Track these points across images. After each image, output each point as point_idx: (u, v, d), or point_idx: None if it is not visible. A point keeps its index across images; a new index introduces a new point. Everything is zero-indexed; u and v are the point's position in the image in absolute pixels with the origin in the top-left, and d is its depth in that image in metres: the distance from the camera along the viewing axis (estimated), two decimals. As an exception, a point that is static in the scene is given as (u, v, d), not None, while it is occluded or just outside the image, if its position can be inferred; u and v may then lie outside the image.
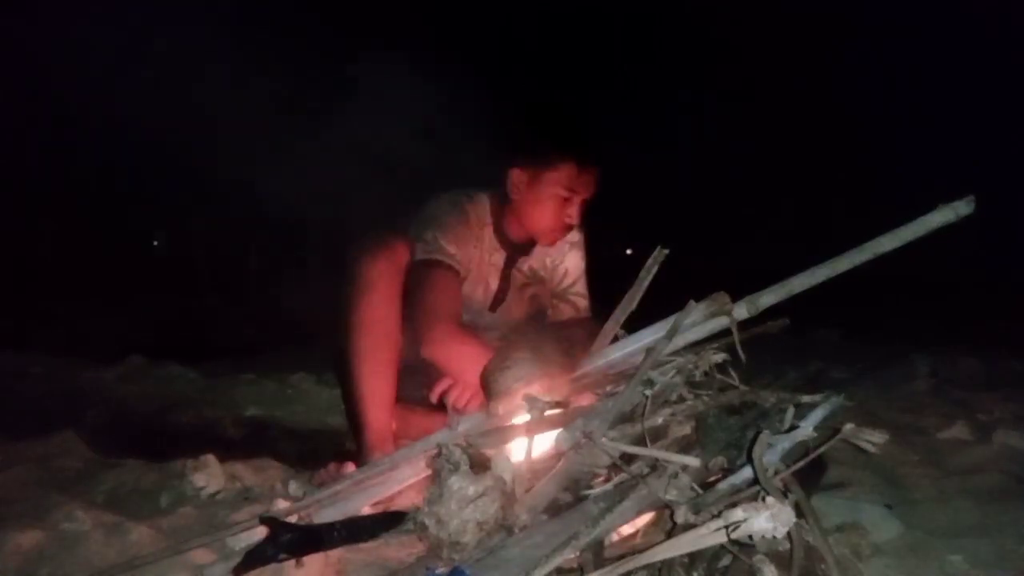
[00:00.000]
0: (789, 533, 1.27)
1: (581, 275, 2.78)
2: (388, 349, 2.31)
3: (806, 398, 1.68)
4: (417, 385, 2.47)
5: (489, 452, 1.60)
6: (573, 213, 2.53)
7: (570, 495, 1.60)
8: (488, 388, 1.96)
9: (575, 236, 2.73)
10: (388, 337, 2.32)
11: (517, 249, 2.67)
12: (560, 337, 2.12)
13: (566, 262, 2.75)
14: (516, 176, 2.56)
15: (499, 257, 2.66)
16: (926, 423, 2.80)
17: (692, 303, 1.79)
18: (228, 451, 2.34)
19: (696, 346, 1.83)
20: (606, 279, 2.78)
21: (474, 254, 2.59)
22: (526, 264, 2.72)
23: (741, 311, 1.78)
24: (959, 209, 1.68)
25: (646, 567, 1.35)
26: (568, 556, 1.34)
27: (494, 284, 2.69)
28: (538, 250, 2.71)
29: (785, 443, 1.53)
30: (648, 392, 1.66)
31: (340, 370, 2.48)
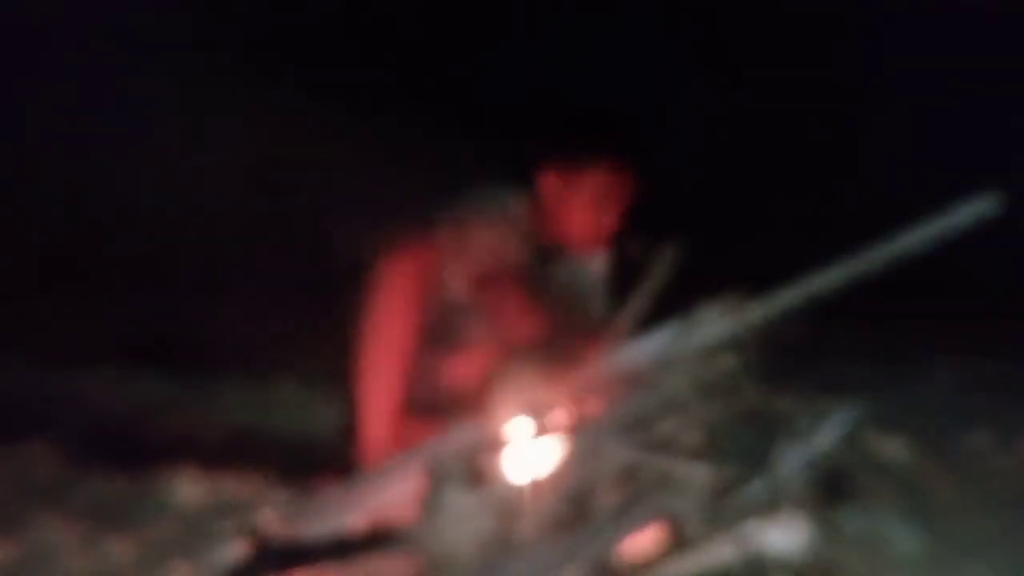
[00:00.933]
0: (806, 547, 1.27)
1: (600, 284, 2.74)
2: (398, 357, 2.28)
3: (823, 405, 1.64)
4: (418, 393, 2.44)
5: (488, 463, 1.56)
6: (606, 222, 2.49)
7: (575, 507, 1.54)
8: (489, 394, 1.92)
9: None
10: (400, 344, 2.29)
11: (545, 253, 2.64)
12: (566, 342, 2.09)
13: (590, 267, 2.70)
14: (545, 179, 2.53)
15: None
16: (947, 430, 2.78)
17: (704, 304, 1.75)
18: (210, 460, 2.32)
19: (708, 350, 1.79)
20: (612, 279, 2.77)
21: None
22: (552, 268, 2.70)
23: (756, 313, 1.73)
24: (982, 208, 1.65)
25: (656, 583, 1.31)
26: (572, 572, 1.33)
27: None
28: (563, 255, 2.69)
29: (802, 452, 1.50)
30: (657, 398, 1.62)
31: (345, 372, 2.45)
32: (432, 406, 2.35)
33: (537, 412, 1.68)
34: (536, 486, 1.59)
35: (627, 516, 1.41)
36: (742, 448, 1.59)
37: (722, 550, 1.29)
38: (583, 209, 2.46)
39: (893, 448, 1.54)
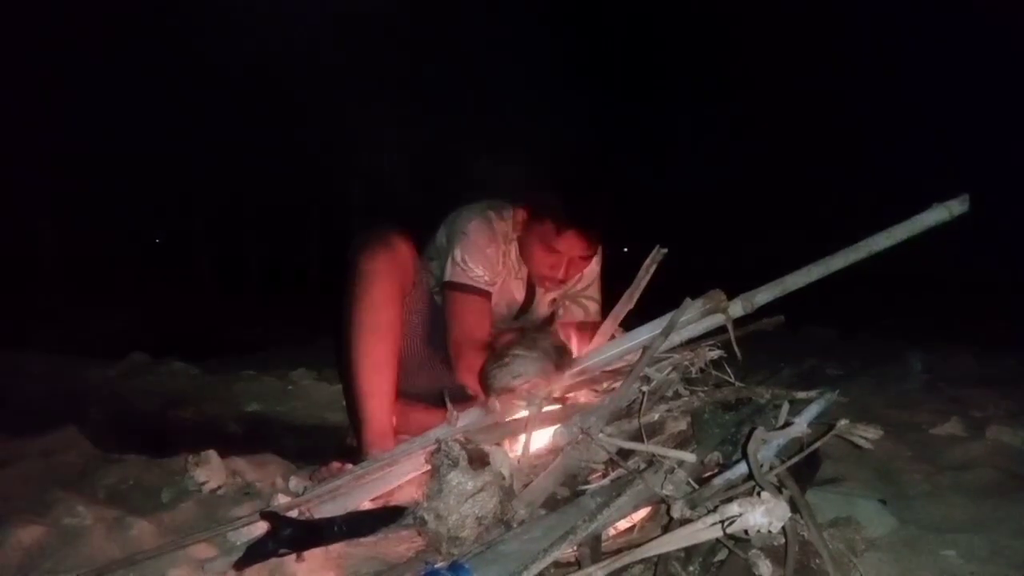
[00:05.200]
0: (784, 528, 1.28)
1: (595, 279, 2.79)
2: (389, 346, 2.32)
3: (801, 394, 1.70)
4: (418, 381, 2.49)
5: (487, 448, 1.61)
6: (561, 270, 2.53)
7: (568, 490, 1.61)
8: (486, 384, 1.97)
9: None
10: (389, 334, 2.32)
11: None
12: (559, 335, 2.13)
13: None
14: (518, 213, 2.58)
15: (524, 271, 2.68)
16: (920, 419, 2.81)
17: (688, 300, 1.80)
18: (229, 447, 2.33)
19: (692, 343, 1.85)
20: (605, 278, 2.80)
21: (501, 269, 2.60)
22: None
23: (737, 308, 1.79)
24: (953, 208, 1.69)
25: (643, 561, 1.36)
26: (566, 550, 1.36)
27: (519, 295, 2.71)
28: None
29: (780, 439, 1.54)
30: (645, 388, 1.67)
31: (341, 366, 2.49)
32: (433, 394, 2.40)
33: (532, 400, 1.73)
34: (532, 469, 1.66)
35: (617, 498, 1.44)
36: (724, 435, 1.64)
37: (705, 531, 1.29)
38: (539, 253, 2.51)
39: (868, 435, 1.57)
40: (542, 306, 2.78)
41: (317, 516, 1.73)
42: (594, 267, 2.76)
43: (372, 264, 2.34)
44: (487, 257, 2.52)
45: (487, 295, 2.52)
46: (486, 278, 2.51)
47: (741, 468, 1.47)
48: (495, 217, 2.59)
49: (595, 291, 2.78)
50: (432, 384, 2.48)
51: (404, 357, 2.42)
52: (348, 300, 2.34)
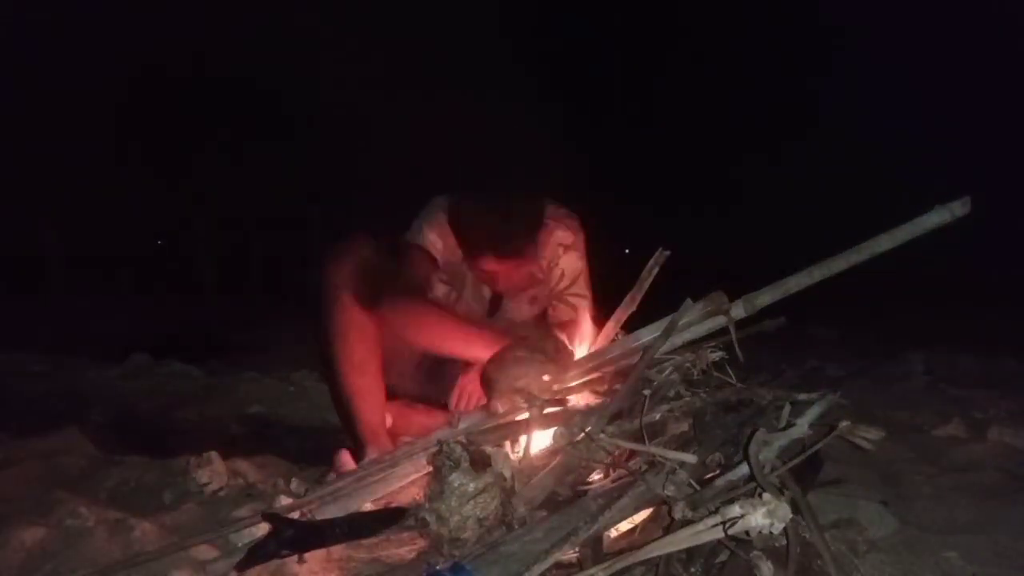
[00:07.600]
0: (785, 529, 1.28)
1: (579, 276, 2.74)
2: (367, 348, 2.29)
3: (802, 395, 1.70)
4: (417, 382, 2.49)
5: (489, 449, 1.60)
6: (498, 283, 2.56)
7: (569, 491, 1.61)
8: (488, 386, 1.97)
9: (568, 238, 2.70)
10: (365, 337, 2.29)
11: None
12: (560, 336, 2.13)
13: (561, 264, 2.71)
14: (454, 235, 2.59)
15: None
16: (922, 420, 2.81)
17: (690, 302, 1.81)
18: (231, 448, 2.34)
19: (694, 344, 1.85)
20: (604, 278, 2.78)
21: (459, 254, 2.60)
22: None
23: (738, 310, 1.80)
24: (955, 210, 1.69)
25: (644, 562, 1.36)
26: (567, 551, 1.35)
27: (488, 293, 2.69)
28: None
29: (781, 440, 1.54)
30: (646, 390, 1.67)
31: (326, 374, 2.48)
32: (431, 396, 2.40)
33: (534, 402, 1.74)
34: (533, 471, 1.66)
35: (618, 499, 1.44)
36: (726, 436, 1.63)
37: (707, 532, 1.29)
38: (481, 273, 2.53)
39: (869, 436, 1.57)
40: (520, 304, 2.76)
41: (319, 517, 1.73)
42: (575, 263, 2.73)
43: (340, 272, 2.30)
44: (444, 230, 2.55)
45: (433, 260, 2.55)
46: (438, 245, 2.55)
47: (743, 469, 1.46)
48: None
49: (582, 287, 2.73)
50: (430, 384, 2.48)
51: (399, 358, 2.41)
52: (321, 308, 2.32)
